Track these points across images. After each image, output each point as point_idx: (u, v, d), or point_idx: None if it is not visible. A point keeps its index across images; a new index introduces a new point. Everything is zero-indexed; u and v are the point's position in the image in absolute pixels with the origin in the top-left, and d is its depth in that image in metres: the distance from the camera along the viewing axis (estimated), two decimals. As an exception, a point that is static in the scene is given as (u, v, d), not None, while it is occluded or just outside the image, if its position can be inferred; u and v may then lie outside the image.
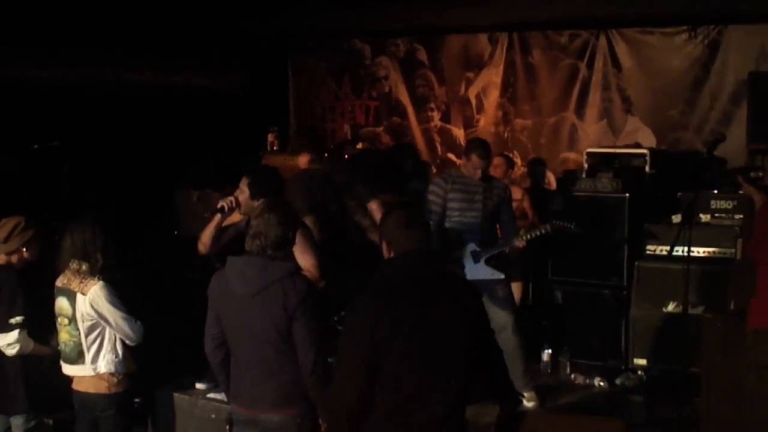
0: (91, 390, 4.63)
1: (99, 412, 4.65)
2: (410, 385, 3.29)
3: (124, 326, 4.58)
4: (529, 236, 6.24)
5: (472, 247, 6.16)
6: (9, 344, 4.82)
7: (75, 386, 4.71)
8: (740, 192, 6.53)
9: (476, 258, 6.16)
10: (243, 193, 5.06)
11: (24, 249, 4.92)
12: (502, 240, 6.29)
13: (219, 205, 5.13)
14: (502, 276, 6.18)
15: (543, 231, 6.21)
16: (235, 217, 5.21)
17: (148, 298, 5.07)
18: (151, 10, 7.81)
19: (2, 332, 4.82)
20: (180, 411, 5.38)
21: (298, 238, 5.09)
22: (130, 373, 4.69)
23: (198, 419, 5.29)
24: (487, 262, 6.18)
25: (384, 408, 3.30)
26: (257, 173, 5.20)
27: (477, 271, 6.11)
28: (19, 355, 4.88)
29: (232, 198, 5.10)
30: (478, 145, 6.26)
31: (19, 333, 4.81)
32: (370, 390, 3.28)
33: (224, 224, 5.20)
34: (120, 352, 4.64)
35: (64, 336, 4.66)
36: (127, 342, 4.63)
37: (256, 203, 4.97)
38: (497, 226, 6.38)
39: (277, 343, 3.85)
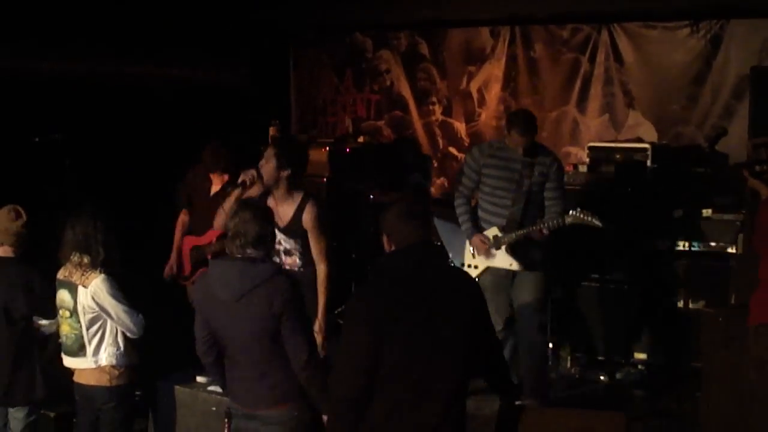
0: (93, 382, 4.64)
1: (100, 404, 4.66)
2: (411, 377, 3.30)
3: (126, 319, 4.58)
4: (549, 225, 5.71)
5: (493, 231, 5.79)
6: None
7: (76, 379, 4.72)
8: (742, 186, 6.53)
9: (497, 244, 5.75)
10: (270, 163, 5.02)
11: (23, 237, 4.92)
12: (534, 224, 5.72)
13: (240, 180, 5.10)
14: (518, 268, 5.74)
15: (561, 222, 5.70)
16: (255, 189, 5.16)
17: (149, 290, 5.07)
18: (152, 3, 7.80)
19: (52, 317, 4.81)
20: (181, 404, 5.38)
21: (313, 224, 5.08)
22: (131, 365, 4.70)
23: (200, 412, 5.29)
24: (513, 249, 5.71)
25: (385, 400, 3.31)
26: (285, 143, 5.20)
27: (493, 258, 5.77)
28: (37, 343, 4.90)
29: (253, 171, 5.07)
30: (519, 121, 5.72)
31: None
32: (371, 382, 3.28)
33: (244, 197, 5.16)
34: (121, 344, 4.64)
35: (65, 328, 4.66)
36: (129, 335, 4.63)
37: (283, 173, 4.96)
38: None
39: (267, 344, 3.85)
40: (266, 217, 3.99)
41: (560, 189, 5.86)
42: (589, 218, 5.65)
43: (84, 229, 4.58)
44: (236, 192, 5.06)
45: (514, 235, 5.71)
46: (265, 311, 3.79)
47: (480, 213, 5.89)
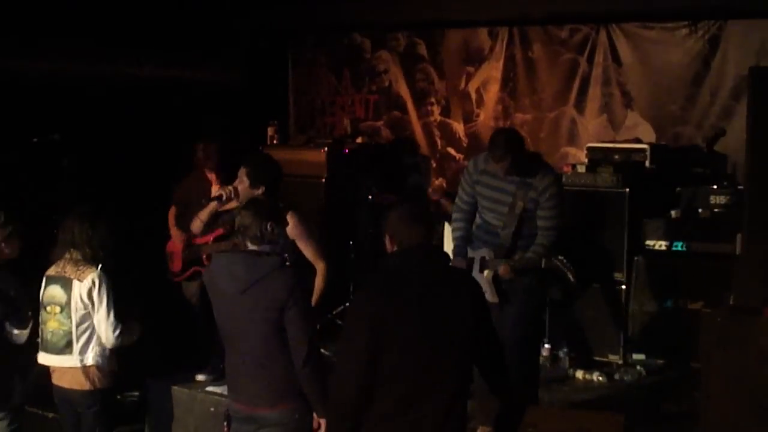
0: (76, 386, 4.62)
1: (84, 409, 4.64)
2: (412, 378, 3.30)
3: (105, 322, 4.56)
4: (518, 264, 5.27)
5: (484, 252, 5.38)
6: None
7: (56, 381, 4.70)
8: (738, 187, 6.52)
9: (482, 267, 5.35)
10: (242, 183, 5.06)
11: (3, 245, 4.87)
12: (508, 259, 5.26)
13: (217, 194, 5.15)
14: (493, 300, 5.14)
15: (538, 263, 5.26)
16: (232, 204, 5.22)
17: (147, 290, 5.06)
18: (151, 4, 7.80)
19: (25, 327, 4.80)
20: (179, 404, 5.37)
21: (297, 231, 5.10)
22: (113, 370, 4.69)
23: (197, 413, 5.29)
24: (496, 279, 5.25)
25: (385, 401, 3.31)
26: (255, 162, 5.22)
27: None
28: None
29: (231, 188, 5.11)
30: (492, 143, 5.23)
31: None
32: (371, 383, 3.28)
33: (220, 210, 5.25)
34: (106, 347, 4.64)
35: (52, 324, 4.64)
36: (102, 339, 4.61)
37: (256, 192, 4.98)
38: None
39: (269, 338, 3.88)
40: (268, 215, 4.03)
41: (552, 218, 5.31)
42: (565, 270, 5.22)
43: (72, 229, 4.62)
44: (213, 204, 5.12)
45: (498, 262, 5.28)
46: (270, 304, 3.83)
47: (475, 230, 5.51)
